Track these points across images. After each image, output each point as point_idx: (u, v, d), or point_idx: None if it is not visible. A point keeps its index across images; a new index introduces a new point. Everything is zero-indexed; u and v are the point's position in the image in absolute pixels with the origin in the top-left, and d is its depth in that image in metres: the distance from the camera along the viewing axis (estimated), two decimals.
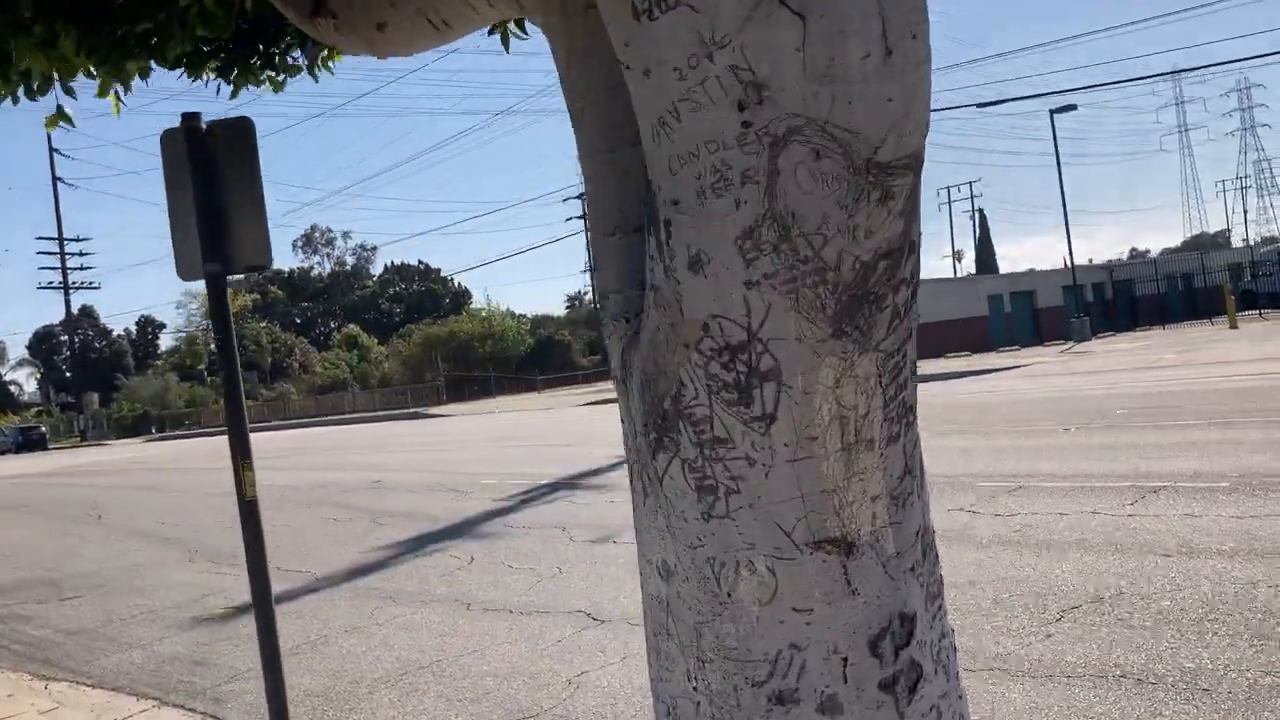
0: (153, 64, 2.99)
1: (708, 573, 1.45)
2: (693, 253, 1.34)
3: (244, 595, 8.70)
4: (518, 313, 79.61)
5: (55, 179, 71.48)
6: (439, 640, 6.51)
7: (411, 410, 52.02)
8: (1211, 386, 15.89)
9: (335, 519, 12.60)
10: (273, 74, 2.97)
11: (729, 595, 1.44)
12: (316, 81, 3.04)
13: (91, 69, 3.10)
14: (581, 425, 25.49)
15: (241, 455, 3.29)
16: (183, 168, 3.47)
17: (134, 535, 13.43)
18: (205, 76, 2.96)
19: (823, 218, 1.28)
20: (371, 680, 5.84)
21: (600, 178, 1.70)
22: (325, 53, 3.00)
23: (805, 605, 1.41)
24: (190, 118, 3.46)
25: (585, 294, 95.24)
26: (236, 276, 4.15)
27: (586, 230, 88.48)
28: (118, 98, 3.18)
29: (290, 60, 2.98)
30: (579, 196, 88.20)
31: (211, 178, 3.45)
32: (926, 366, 27.76)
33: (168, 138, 3.57)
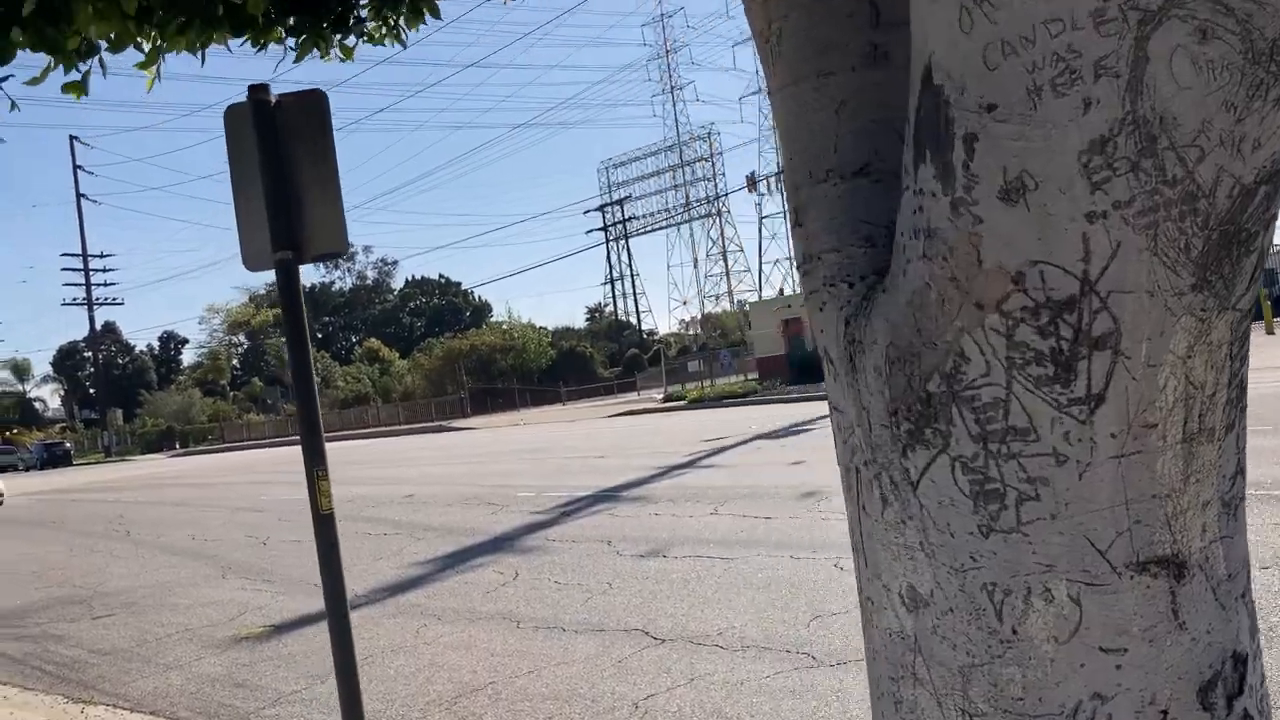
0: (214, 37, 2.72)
1: (983, 602, 1.12)
2: (1011, 176, 1.00)
3: (281, 613, 8.44)
4: (538, 325, 79.77)
5: (79, 195, 72.11)
6: (490, 660, 6.20)
7: (436, 423, 51.88)
8: (1266, 392, 15.41)
9: (369, 533, 12.31)
10: (343, 41, 2.68)
11: (1013, 631, 1.11)
12: (405, 48, 2.76)
13: (142, 42, 2.84)
14: (612, 437, 25.18)
15: (315, 464, 2.98)
16: (250, 146, 3.13)
17: (163, 551, 13.18)
18: (268, 45, 2.68)
19: (1202, 123, 0.94)
20: (424, 704, 5.54)
21: (805, 112, 1.36)
22: (403, 17, 2.72)
23: (1117, 644, 1.08)
24: (257, 90, 3.14)
25: (606, 306, 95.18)
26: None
27: (607, 242, 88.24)
28: (156, 72, 2.92)
29: (365, 28, 2.70)
30: (599, 209, 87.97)
31: (281, 157, 3.11)
32: None
33: (232, 114, 3.23)
